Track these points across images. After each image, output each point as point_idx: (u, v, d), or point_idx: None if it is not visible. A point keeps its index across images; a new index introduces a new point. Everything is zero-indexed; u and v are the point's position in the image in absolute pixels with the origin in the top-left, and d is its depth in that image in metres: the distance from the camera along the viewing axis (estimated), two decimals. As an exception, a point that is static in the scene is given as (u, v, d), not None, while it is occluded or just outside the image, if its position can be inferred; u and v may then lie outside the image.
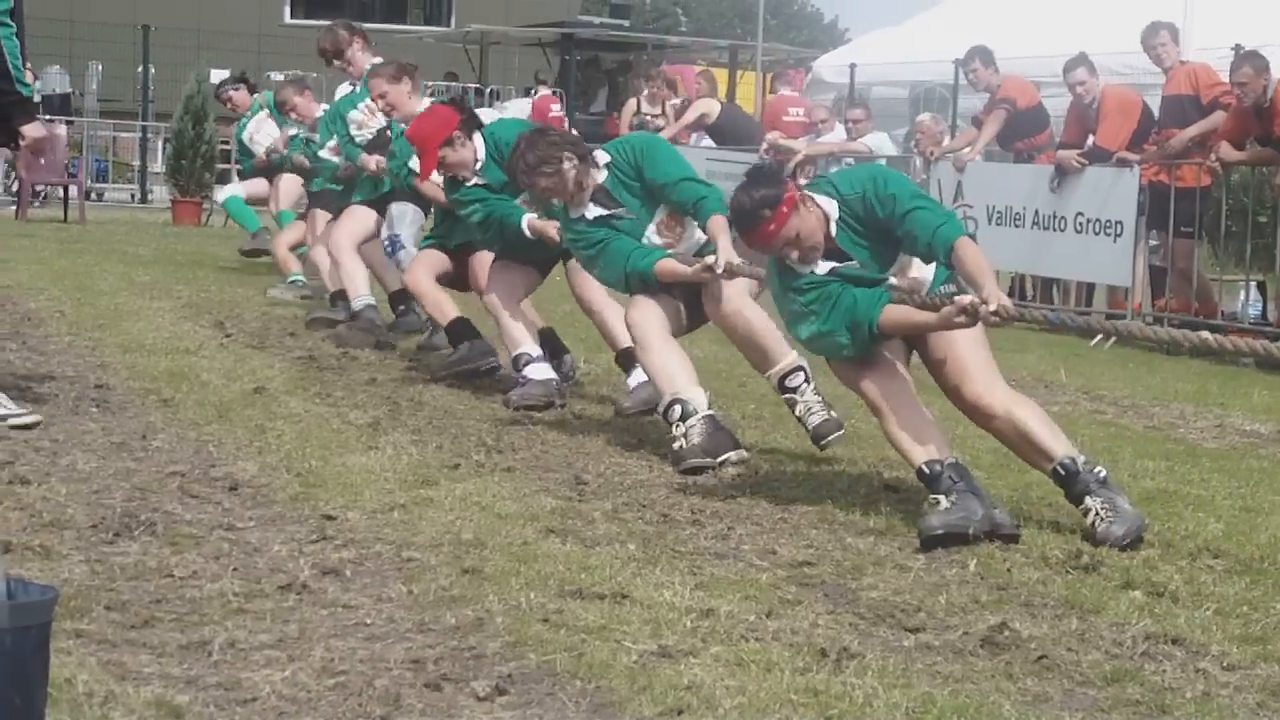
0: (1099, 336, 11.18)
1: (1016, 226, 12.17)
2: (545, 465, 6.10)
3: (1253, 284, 11.50)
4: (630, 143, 6.59)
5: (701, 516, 5.31)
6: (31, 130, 6.37)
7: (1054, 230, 11.76)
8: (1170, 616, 4.23)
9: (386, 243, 9.67)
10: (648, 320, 6.34)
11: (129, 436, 6.24)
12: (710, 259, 6.03)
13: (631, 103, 17.96)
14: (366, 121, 9.80)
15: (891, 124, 16.28)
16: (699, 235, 6.35)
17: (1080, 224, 11.58)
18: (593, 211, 6.41)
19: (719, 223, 6.05)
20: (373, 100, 9.22)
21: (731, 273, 6.01)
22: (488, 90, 25.62)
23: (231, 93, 14.47)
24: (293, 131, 12.10)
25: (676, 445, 6.13)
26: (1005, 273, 11.81)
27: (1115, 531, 4.93)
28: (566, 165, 6.34)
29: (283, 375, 8.01)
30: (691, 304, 6.41)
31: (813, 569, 4.67)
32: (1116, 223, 11.29)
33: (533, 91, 24.47)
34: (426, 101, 9.01)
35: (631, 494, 5.63)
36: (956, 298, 4.98)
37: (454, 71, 26.32)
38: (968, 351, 5.24)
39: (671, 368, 6.29)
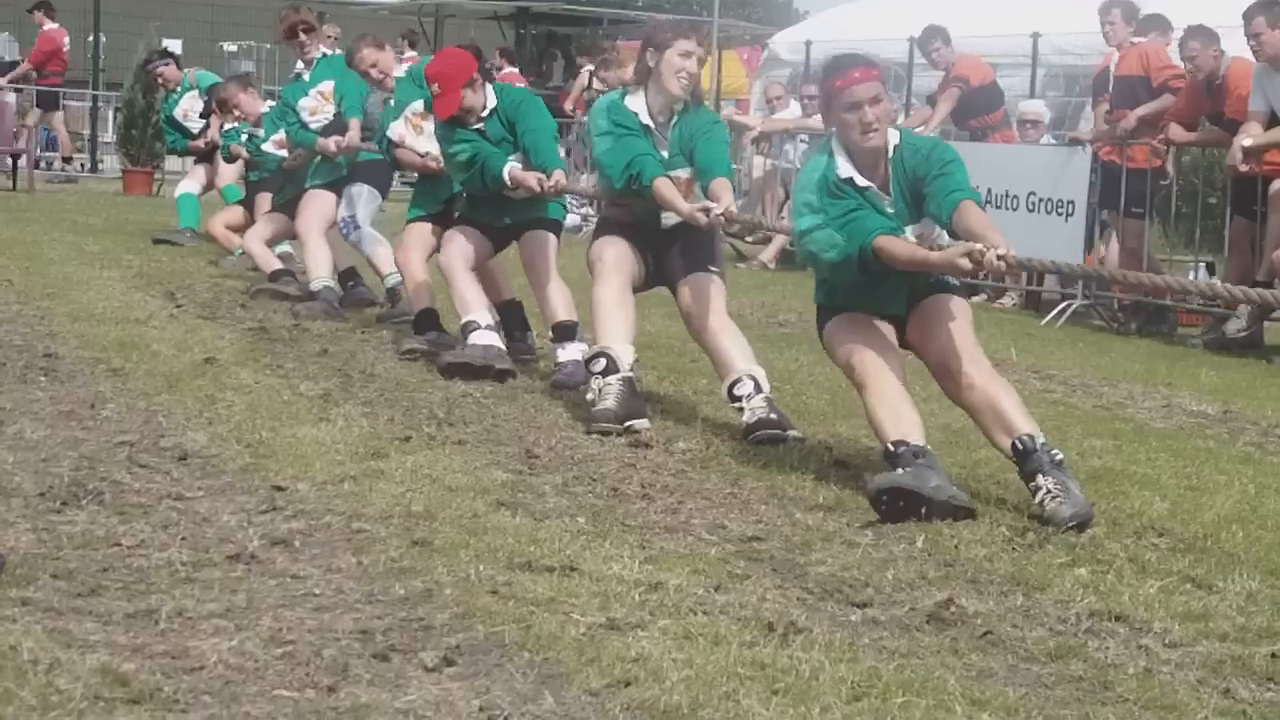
0: (1053, 313, 11.25)
1: (969, 205, 12.18)
2: (496, 438, 6.09)
3: (1201, 264, 11.59)
4: (706, 112, 6.71)
5: (651, 491, 5.32)
6: None
7: (1007, 209, 11.80)
8: (1114, 594, 4.27)
9: (342, 224, 9.68)
10: (612, 257, 6.48)
11: (77, 405, 6.20)
12: (709, 203, 6.20)
13: (583, 76, 17.92)
14: (319, 108, 9.82)
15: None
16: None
17: (1033, 203, 11.63)
18: (646, 119, 6.53)
19: (724, 183, 6.33)
20: (363, 70, 9.23)
21: (730, 219, 6.18)
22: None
23: (163, 68, 14.40)
24: (229, 126, 11.98)
25: (589, 398, 6.27)
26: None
27: (1063, 512, 4.95)
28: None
29: (233, 346, 7.98)
30: (657, 265, 6.57)
31: (761, 544, 4.69)
32: (1069, 202, 11.36)
33: (496, 69, 24.28)
34: (402, 68, 9.10)
35: (582, 468, 5.63)
36: (962, 242, 5.03)
37: (414, 31, 26.15)
38: (959, 328, 5.37)
39: (614, 318, 6.39)
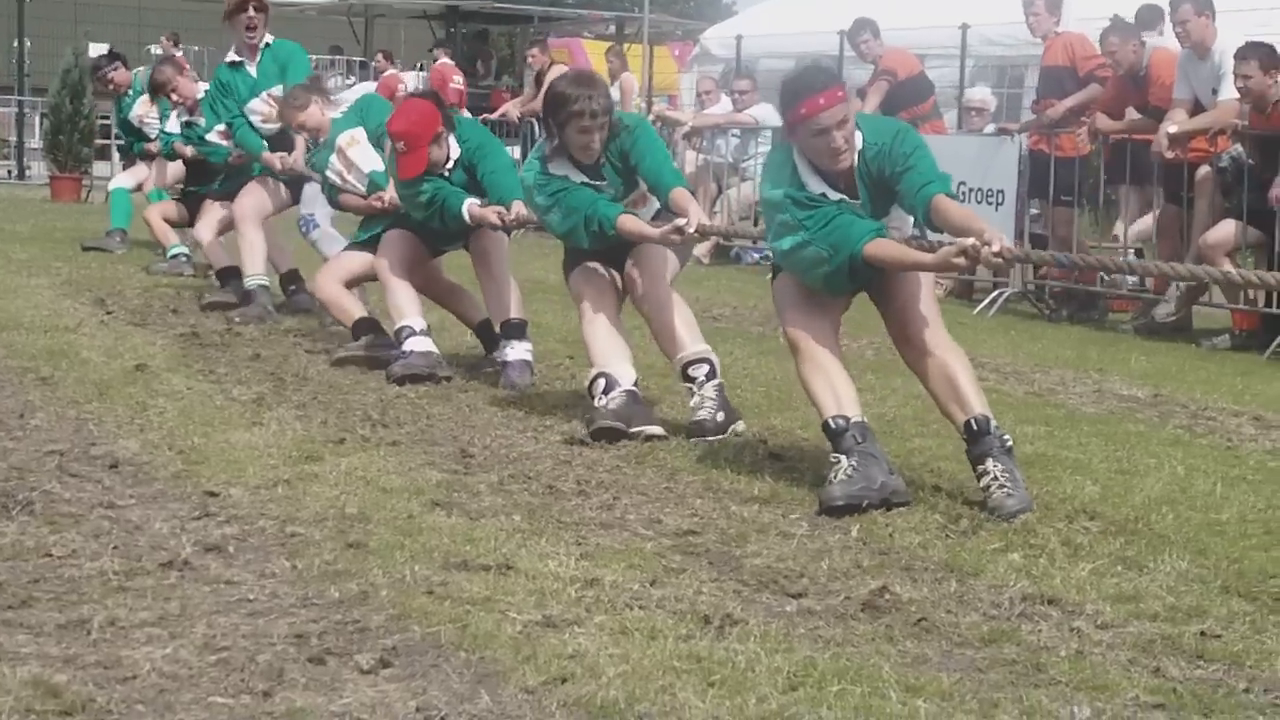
0: (985, 301, 11.33)
1: (900, 196, 12.26)
2: (431, 439, 6.08)
3: (1130, 251, 11.70)
4: (625, 123, 6.49)
5: (587, 487, 5.32)
6: None
7: (937, 199, 11.87)
8: (1047, 577, 4.31)
9: (301, 222, 9.55)
10: (592, 297, 6.37)
11: (6, 415, 6.14)
12: (680, 221, 6.06)
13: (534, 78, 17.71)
14: (270, 116, 9.55)
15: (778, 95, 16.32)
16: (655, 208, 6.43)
17: (963, 193, 11.70)
18: (578, 176, 6.38)
19: (683, 193, 6.21)
20: (295, 132, 8.99)
21: (703, 232, 6.10)
22: (371, 65, 25.33)
23: (112, 73, 14.16)
24: (175, 123, 11.81)
25: (592, 414, 6.13)
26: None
27: (1010, 504, 4.94)
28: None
29: (164, 352, 7.92)
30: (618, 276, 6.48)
31: (697, 537, 4.70)
32: (999, 191, 11.45)
33: (419, 64, 24.10)
34: (340, 106, 8.80)
35: (517, 466, 5.63)
36: (957, 239, 4.90)
37: (339, 45, 26.04)
38: (924, 296, 5.31)
39: (608, 345, 6.29)
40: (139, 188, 13.61)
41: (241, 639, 3.64)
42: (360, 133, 8.16)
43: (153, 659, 3.48)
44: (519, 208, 7.10)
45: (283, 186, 9.59)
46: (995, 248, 4.77)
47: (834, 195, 5.19)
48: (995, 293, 11.53)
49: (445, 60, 20.99)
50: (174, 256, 11.80)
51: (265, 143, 9.50)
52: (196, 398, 6.69)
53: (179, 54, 17.88)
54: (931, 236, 5.42)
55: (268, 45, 9.72)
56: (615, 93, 18.52)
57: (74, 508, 4.80)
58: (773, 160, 5.46)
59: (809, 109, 5.07)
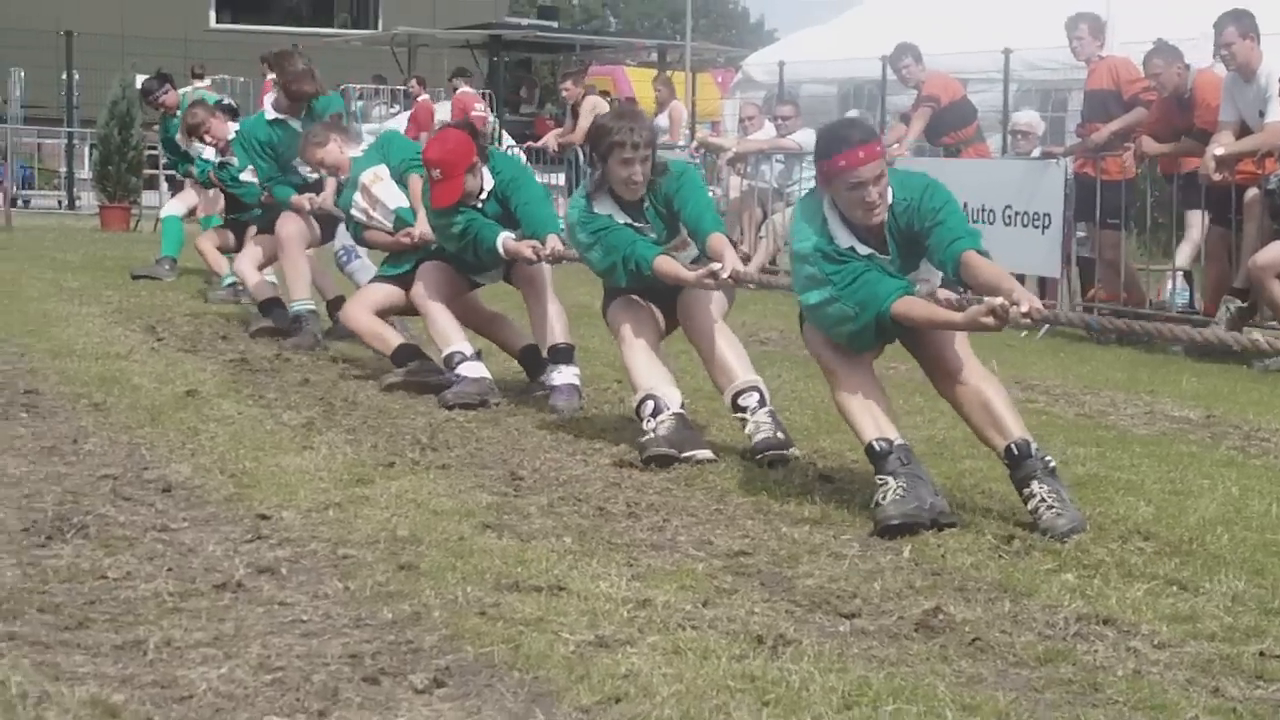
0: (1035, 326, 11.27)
1: (946, 220, 12.24)
2: (480, 462, 6.09)
3: (1179, 273, 11.64)
4: (672, 169, 6.52)
5: (637, 509, 5.32)
6: None
7: (983, 223, 11.85)
8: (1102, 597, 4.28)
9: (342, 252, 9.60)
10: (630, 327, 6.37)
11: (60, 441, 6.19)
12: (715, 265, 6.05)
13: (586, 103, 17.72)
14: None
15: (821, 121, 16.24)
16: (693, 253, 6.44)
17: (1009, 216, 11.68)
18: (621, 217, 6.41)
19: (721, 239, 6.19)
20: (314, 170, 9.09)
21: (737, 279, 6.07)
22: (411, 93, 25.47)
23: (163, 97, 14.43)
24: (204, 155, 11.93)
25: (642, 440, 6.13)
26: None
27: (1060, 524, 4.93)
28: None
29: (215, 378, 7.97)
30: (669, 306, 6.48)
31: (749, 558, 4.69)
32: (1045, 214, 11.41)
33: (440, 90, 24.08)
34: (361, 144, 8.84)
35: (567, 488, 5.63)
36: (985, 299, 4.88)
37: (381, 74, 26.20)
38: (955, 332, 5.29)
39: (651, 369, 6.30)
40: (191, 213, 13.74)
41: (296, 659, 3.66)
42: (383, 169, 8.22)
43: (208, 679, 3.49)
44: (554, 242, 7.14)
45: (316, 223, 9.68)
46: (1024, 308, 4.78)
47: (863, 250, 5.19)
48: (1042, 316, 11.47)
49: (466, 89, 21.07)
50: (229, 286, 11.88)
51: (293, 192, 9.59)
52: (247, 422, 6.72)
53: (207, 83, 18.11)
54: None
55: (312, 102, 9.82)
56: (664, 120, 18.63)
57: (128, 531, 4.83)
58: (803, 210, 5.41)
59: (848, 161, 5.04)
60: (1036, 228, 11.45)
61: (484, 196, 7.36)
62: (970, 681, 3.62)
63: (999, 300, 4.80)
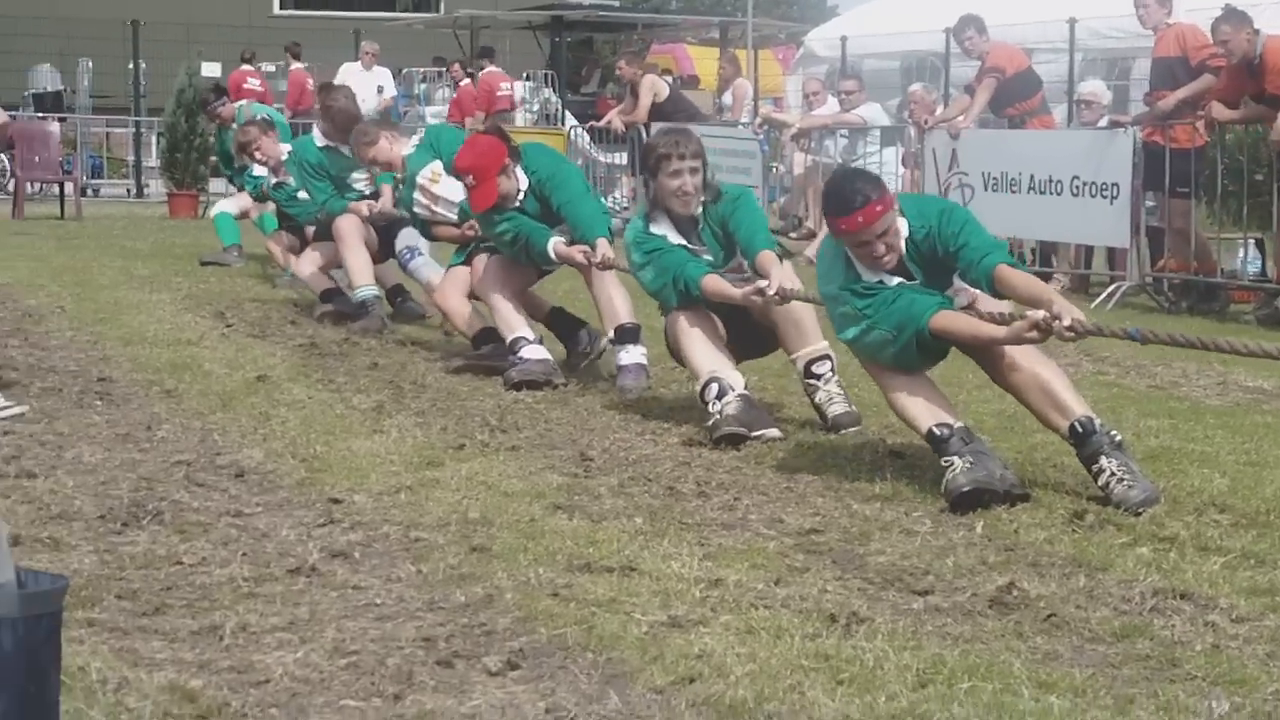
0: (1103, 295, 11.19)
1: (1013, 192, 12.17)
2: (550, 443, 6.10)
3: (1250, 241, 11.50)
4: (728, 193, 6.58)
5: (707, 488, 5.31)
6: None
7: (1050, 194, 11.76)
8: (1178, 571, 4.24)
9: (406, 251, 9.67)
10: (686, 318, 6.39)
11: (134, 428, 6.25)
12: (762, 283, 6.07)
13: (645, 83, 17.60)
14: (361, 177, 9.84)
15: (884, 95, 16.26)
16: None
17: (1076, 187, 11.58)
18: (677, 239, 6.46)
19: (769, 256, 6.20)
20: (367, 168, 9.26)
21: (783, 297, 6.07)
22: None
23: (220, 109, 14.70)
24: (257, 172, 11.98)
25: (711, 422, 6.13)
26: (1002, 238, 11.80)
27: (1134, 496, 4.91)
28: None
29: (285, 363, 8.02)
30: (730, 329, 6.48)
31: (820, 536, 4.68)
32: (1113, 184, 11.29)
33: (525, 74, 24.10)
34: (411, 139, 8.91)
35: (637, 468, 5.64)
36: (1029, 313, 4.93)
37: (441, 56, 26.23)
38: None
39: (712, 353, 6.31)
40: (244, 215, 13.81)
41: (370, 643, 3.68)
42: (438, 165, 8.29)
43: (284, 663, 3.52)
44: (604, 248, 7.21)
45: (374, 233, 9.77)
46: (1066, 322, 4.81)
47: (891, 281, 5.24)
48: (1113, 286, 11.38)
49: (493, 68, 21.02)
50: (292, 274, 11.93)
51: (346, 205, 9.72)
52: (317, 407, 6.77)
53: (257, 70, 18.16)
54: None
55: None
56: (728, 98, 18.53)
57: (202, 516, 4.88)
58: (825, 253, 5.48)
59: (848, 226, 5.16)
60: (1105, 198, 11.34)
61: (521, 196, 7.41)
62: (1046, 658, 3.59)
63: (1041, 314, 4.86)
